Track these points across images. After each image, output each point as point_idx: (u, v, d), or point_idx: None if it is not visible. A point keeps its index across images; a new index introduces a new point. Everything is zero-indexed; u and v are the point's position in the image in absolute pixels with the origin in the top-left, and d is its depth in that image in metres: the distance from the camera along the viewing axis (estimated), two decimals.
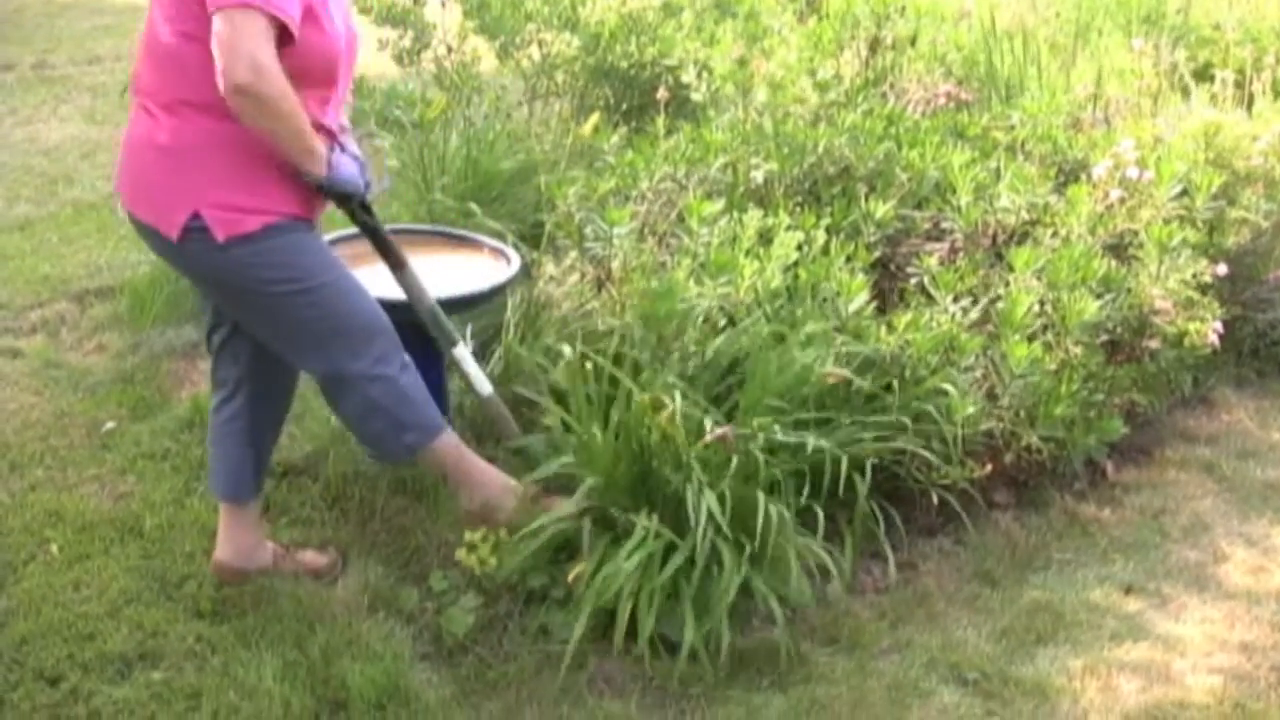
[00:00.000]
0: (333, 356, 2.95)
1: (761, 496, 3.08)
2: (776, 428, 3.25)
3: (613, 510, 3.14)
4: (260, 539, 3.29)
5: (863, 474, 3.34)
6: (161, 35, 2.78)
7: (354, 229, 3.76)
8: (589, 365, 3.32)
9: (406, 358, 3.06)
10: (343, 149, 2.97)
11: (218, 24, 2.63)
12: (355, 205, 3.01)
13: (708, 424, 3.19)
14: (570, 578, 3.04)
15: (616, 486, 3.17)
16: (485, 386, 3.27)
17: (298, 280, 2.88)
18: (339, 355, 2.95)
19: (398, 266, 3.16)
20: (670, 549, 3.04)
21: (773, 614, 3.07)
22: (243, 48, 2.61)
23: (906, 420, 3.46)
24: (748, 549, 3.05)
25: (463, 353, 3.25)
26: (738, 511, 3.06)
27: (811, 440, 3.26)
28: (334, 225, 3.51)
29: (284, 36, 2.69)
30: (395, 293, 3.56)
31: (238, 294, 2.91)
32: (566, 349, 3.51)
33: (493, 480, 3.18)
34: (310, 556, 3.33)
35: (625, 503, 3.15)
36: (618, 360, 3.38)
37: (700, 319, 3.56)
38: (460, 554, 3.18)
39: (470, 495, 3.17)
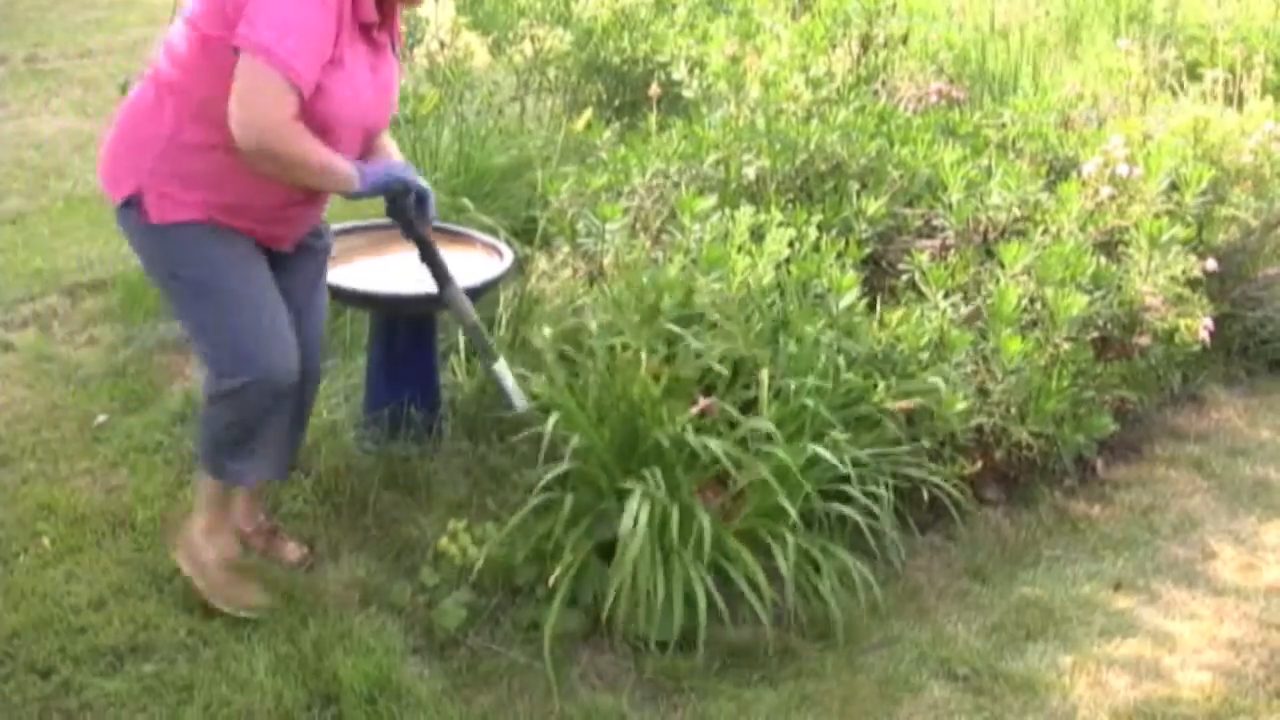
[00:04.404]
0: (210, 361, 3.01)
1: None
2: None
3: (598, 474, 3.17)
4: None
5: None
6: (180, 18, 2.84)
7: (348, 223, 3.76)
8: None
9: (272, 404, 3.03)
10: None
11: (240, 69, 2.66)
12: (409, 203, 3.05)
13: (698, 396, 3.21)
14: (550, 581, 3.04)
15: (602, 449, 3.19)
16: (521, 401, 3.29)
17: (196, 280, 2.92)
18: (213, 364, 2.99)
19: (444, 282, 3.21)
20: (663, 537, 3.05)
21: (763, 608, 3.08)
22: (254, 112, 2.66)
23: (899, 418, 3.46)
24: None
25: (502, 369, 3.29)
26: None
27: (820, 436, 3.28)
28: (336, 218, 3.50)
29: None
30: (389, 288, 3.57)
31: (153, 276, 3.08)
32: (547, 330, 3.54)
33: (210, 547, 3.15)
34: (290, 547, 3.37)
35: (613, 466, 3.17)
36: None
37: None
38: (443, 543, 3.19)
39: (193, 530, 3.17)
